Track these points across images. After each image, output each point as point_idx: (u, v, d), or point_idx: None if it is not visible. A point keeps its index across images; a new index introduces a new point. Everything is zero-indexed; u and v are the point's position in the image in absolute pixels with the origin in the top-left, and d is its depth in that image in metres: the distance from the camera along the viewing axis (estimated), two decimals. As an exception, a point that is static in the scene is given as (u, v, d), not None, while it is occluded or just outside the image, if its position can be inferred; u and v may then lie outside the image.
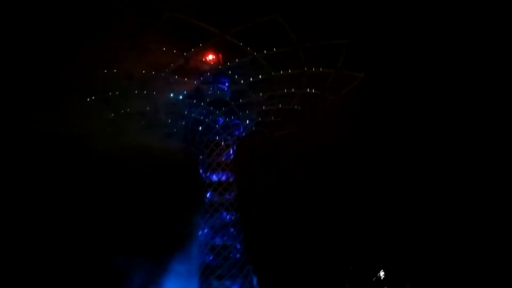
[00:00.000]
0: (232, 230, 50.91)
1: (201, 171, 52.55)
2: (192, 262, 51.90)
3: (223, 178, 51.67)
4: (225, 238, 50.54)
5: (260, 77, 45.98)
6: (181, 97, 47.88)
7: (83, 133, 46.07)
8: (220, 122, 50.87)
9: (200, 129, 51.20)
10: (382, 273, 56.65)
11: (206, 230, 51.02)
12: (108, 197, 56.96)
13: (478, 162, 57.71)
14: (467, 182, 57.45)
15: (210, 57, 47.39)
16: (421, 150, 62.34)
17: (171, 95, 47.24)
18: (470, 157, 59.18)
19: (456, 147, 60.53)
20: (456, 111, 59.44)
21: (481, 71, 55.14)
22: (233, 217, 51.16)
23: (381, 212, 61.76)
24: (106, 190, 57.69)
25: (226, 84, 48.58)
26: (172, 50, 43.43)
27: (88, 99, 45.97)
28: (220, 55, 46.97)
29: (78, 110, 45.10)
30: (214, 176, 51.60)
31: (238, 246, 50.63)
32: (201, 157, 52.89)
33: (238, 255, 50.25)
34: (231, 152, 52.70)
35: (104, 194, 57.11)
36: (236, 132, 52.40)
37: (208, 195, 51.47)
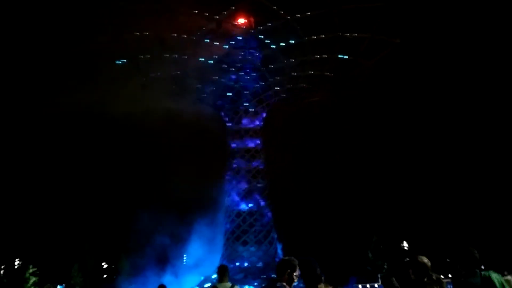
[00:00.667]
0: (258, 197, 51.07)
1: (229, 137, 52.53)
2: (218, 227, 52.65)
3: (251, 145, 51.50)
4: (251, 204, 50.81)
5: (292, 41, 44.90)
6: (211, 62, 47.47)
7: (116, 99, 46.49)
8: (250, 88, 50.39)
9: (230, 95, 51.00)
10: (405, 244, 55.81)
11: (232, 196, 51.36)
12: (138, 161, 58.25)
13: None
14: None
15: (242, 20, 46.56)
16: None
17: (202, 59, 46.84)
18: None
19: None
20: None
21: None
22: (259, 184, 51.21)
23: (405, 184, 60.67)
24: (136, 154, 59.02)
25: (257, 49, 47.79)
26: (203, 13, 43.02)
27: (119, 63, 46.39)
28: (252, 19, 46.00)
29: (110, 76, 45.47)
30: (241, 143, 51.49)
31: (264, 213, 50.76)
32: (230, 124, 52.84)
33: (263, 222, 50.47)
34: (261, 119, 52.31)
35: (134, 158, 58.44)
36: (266, 99, 51.91)
37: (235, 161, 51.58)
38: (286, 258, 5.77)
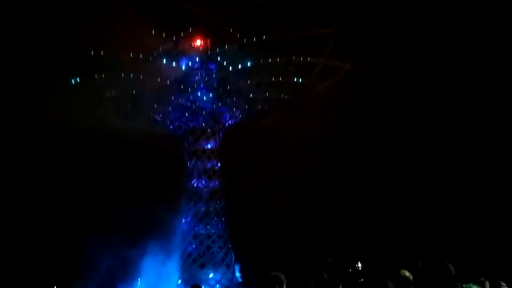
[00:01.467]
0: (216, 219, 50.81)
1: (186, 157, 52.17)
2: (174, 250, 51.66)
3: (208, 165, 51.37)
4: (208, 226, 50.41)
5: (248, 64, 45.87)
6: (168, 82, 47.41)
7: (67, 117, 45.26)
8: (207, 109, 50.59)
9: (186, 115, 50.88)
10: (360, 265, 57.16)
11: (189, 218, 50.77)
12: (88, 180, 56.24)
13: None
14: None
15: (199, 42, 47.05)
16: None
17: (158, 79, 46.70)
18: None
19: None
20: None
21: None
22: (217, 206, 50.99)
23: (362, 205, 62.33)
24: (86, 173, 57.04)
25: (214, 70, 48.36)
26: (161, 34, 43.20)
27: (73, 81, 45.39)
28: (209, 40, 46.66)
29: (62, 94, 44.35)
30: (198, 164, 51.27)
31: (221, 235, 50.48)
32: (186, 144, 52.55)
33: (221, 244, 50.17)
34: (217, 140, 52.48)
35: (84, 177, 56.41)
36: (223, 120, 52.26)
37: (192, 182, 51.18)
38: (274, 273, 5.68)
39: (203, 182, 50.97)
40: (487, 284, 10.38)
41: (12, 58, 42.82)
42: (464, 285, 6.02)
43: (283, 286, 5.62)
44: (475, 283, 6.04)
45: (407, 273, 6.24)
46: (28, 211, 56.53)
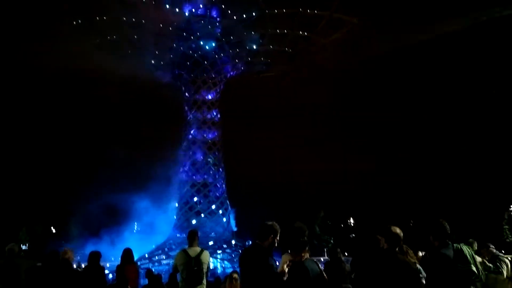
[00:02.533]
0: (213, 169, 51.33)
1: (186, 107, 51.93)
2: (171, 197, 52.67)
3: (208, 116, 51.26)
4: (206, 176, 51.03)
5: (254, 14, 44.63)
6: (170, 28, 46.27)
7: (68, 57, 44.61)
8: (209, 59, 49.76)
9: (187, 64, 50.11)
10: (351, 220, 58.80)
11: (187, 167, 51.26)
12: (89, 123, 56.46)
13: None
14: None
15: (204, -13, 45.54)
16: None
17: (161, 25, 45.52)
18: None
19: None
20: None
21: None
22: (215, 157, 51.40)
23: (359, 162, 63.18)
24: (88, 117, 57.13)
25: (218, 19, 47.11)
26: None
27: (74, 23, 44.27)
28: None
29: (64, 33, 43.42)
30: (198, 114, 51.10)
31: (219, 185, 51.24)
32: (187, 94, 52.12)
33: (217, 194, 51.01)
34: (218, 91, 52.04)
35: (85, 120, 56.56)
36: (224, 70, 51.53)
37: (192, 132, 51.26)
38: (270, 223, 5.97)
39: (202, 132, 51.00)
40: (475, 245, 10.79)
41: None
42: (455, 245, 6.08)
43: (277, 234, 5.90)
44: (465, 244, 6.19)
45: (398, 230, 6.25)
46: (34, 149, 57.02)
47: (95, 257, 9.41)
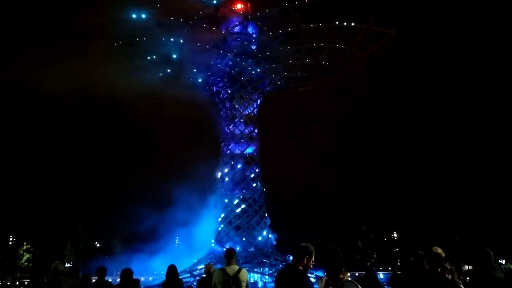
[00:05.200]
0: (252, 183, 51.52)
1: (223, 123, 52.69)
2: (210, 212, 53.16)
3: (246, 131, 51.76)
4: (244, 191, 51.26)
5: (289, 29, 44.95)
6: (207, 47, 47.36)
7: (109, 78, 46.20)
8: (246, 75, 50.45)
9: (225, 80, 51.01)
10: (395, 234, 57.03)
11: (226, 182, 51.73)
12: (127, 145, 58.28)
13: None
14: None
15: (239, 6, 46.45)
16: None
17: (198, 44, 46.68)
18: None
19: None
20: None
21: None
22: (253, 171, 51.61)
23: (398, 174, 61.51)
24: (126, 136, 59.02)
25: (254, 35, 47.79)
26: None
27: (114, 44, 46.03)
28: (249, 5, 45.91)
29: (102, 57, 45.03)
30: (236, 129, 51.72)
31: (257, 199, 51.31)
32: (224, 109, 52.98)
33: (256, 208, 51.04)
34: (255, 106, 52.52)
35: (127, 139, 58.46)
36: (261, 86, 52.06)
37: (230, 147, 51.85)
38: (304, 244, 6.00)
39: (240, 147, 51.47)
40: None
41: (57, 21, 43.82)
42: (503, 266, 6.17)
43: (312, 255, 5.95)
44: None
45: (439, 250, 6.36)
46: (78, 167, 59.29)
47: (127, 273, 9.70)
